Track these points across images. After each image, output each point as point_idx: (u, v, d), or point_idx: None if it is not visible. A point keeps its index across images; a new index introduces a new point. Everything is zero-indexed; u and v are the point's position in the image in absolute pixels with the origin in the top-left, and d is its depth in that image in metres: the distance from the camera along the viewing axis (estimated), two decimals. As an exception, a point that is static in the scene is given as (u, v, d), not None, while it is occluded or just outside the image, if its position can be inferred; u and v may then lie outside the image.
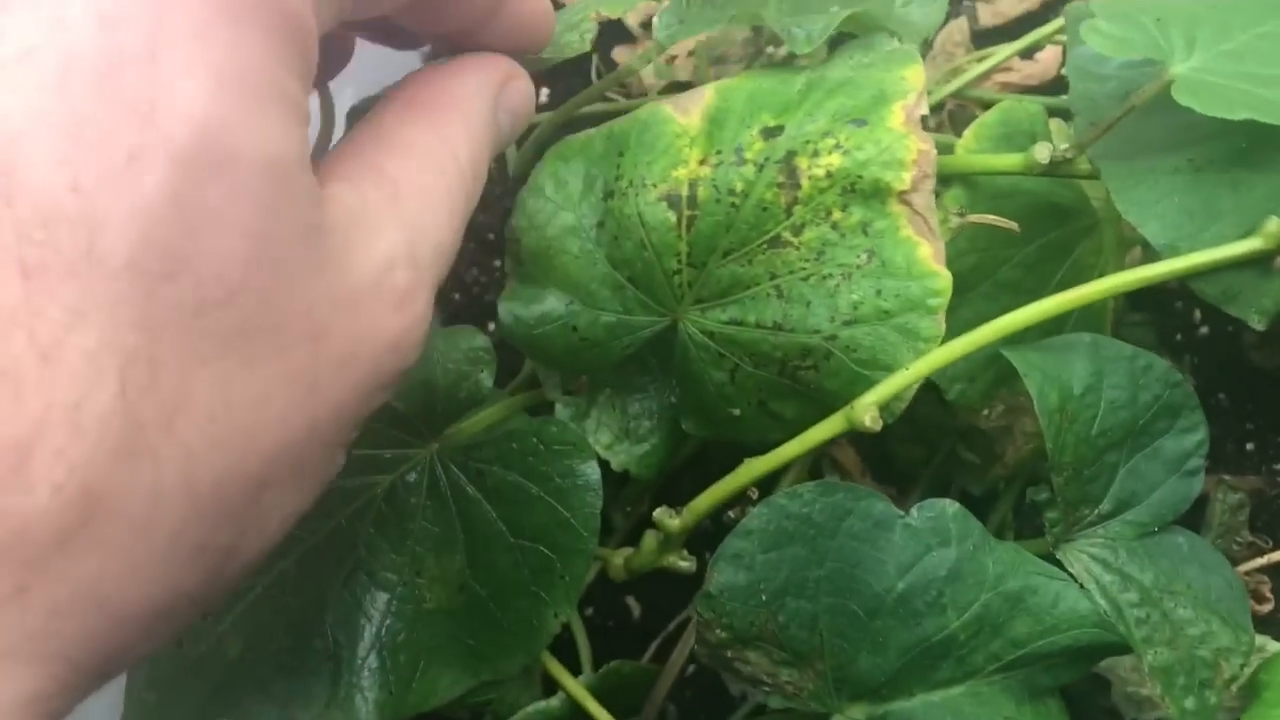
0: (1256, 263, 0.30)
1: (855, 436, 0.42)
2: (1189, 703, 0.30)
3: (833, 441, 0.41)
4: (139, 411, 0.17)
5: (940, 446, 0.41)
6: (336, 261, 0.21)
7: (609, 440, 0.35)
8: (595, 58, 0.56)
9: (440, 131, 0.25)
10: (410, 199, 0.23)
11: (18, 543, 0.17)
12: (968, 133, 0.35)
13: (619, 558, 0.33)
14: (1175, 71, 0.30)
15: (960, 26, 0.51)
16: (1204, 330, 0.46)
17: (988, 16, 0.52)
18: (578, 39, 0.32)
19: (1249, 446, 0.44)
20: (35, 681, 0.17)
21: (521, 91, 0.28)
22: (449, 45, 0.28)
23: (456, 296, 0.54)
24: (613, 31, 0.56)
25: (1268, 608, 0.38)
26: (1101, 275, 0.37)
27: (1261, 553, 0.39)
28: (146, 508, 0.18)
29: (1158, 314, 0.47)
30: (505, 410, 0.34)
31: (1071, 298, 0.30)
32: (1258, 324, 0.31)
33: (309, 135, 0.21)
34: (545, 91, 0.55)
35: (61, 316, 0.17)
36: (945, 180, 0.35)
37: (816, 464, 0.41)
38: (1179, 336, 0.46)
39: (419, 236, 0.23)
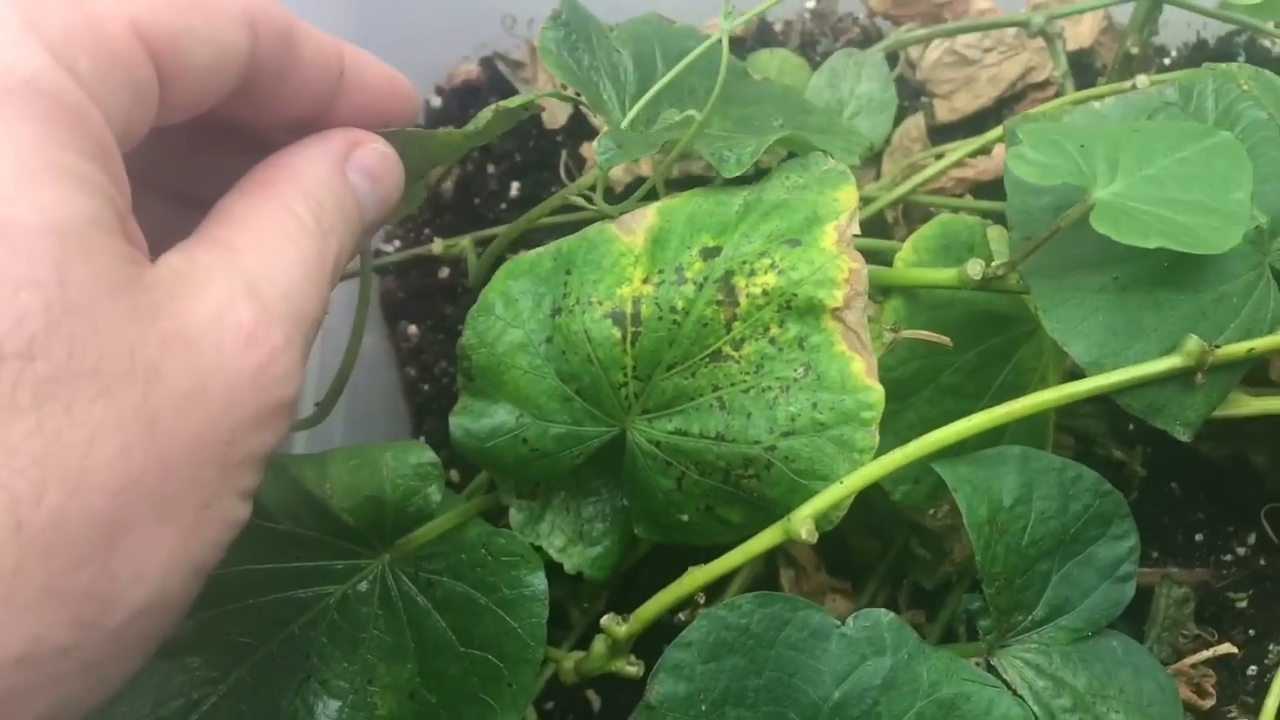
0: (1178, 378, 0.31)
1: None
2: (1122, 808, 0.30)
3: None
4: None
5: (894, 540, 0.42)
6: (162, 309, 0.22)
7: (562, 543, 0.36)
8: (564, 153, 0.57)
9: (277, 197, 0.26)
10: (247, 255, 0.24)
11: None
12: (907, 245, 0.36)
13: (570, 661, 0.34)
14: (1097, 196, 0.31)
15: (917, 123, 0.53)
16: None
17: (944, 112, 0.54)
18: (474, 125, 0.33)
19: (1198, 537, 0.45)
20: None
21: (374, 153, 0.29)
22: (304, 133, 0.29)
23: (426, 388, 0.55)
24: (583, 128, 0.58)
25: (1210, 703, 0.38)
26: (1042, 378, 0.38)
27: (1207, 645, 0.40)
28: None
29: (1109, 404, 0.48)
30: (459, 516, 0.34)
31: (1001, 414, 0.31)
32: (1183, 436, 0.32)
33: (115, 205, 0.22)
34: (515, 185, 0.57)
35: None
36: (886, 290, 0.36)
37: (771, 558, 0.42)
38: (1131, 426, 0.47)
39: (262, 282, 0.24)
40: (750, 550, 0.31)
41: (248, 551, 0.32)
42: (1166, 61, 0.56)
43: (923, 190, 0.47)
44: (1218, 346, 0.31)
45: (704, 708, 0.29)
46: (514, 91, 0.58)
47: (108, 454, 0.21)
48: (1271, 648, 0.40)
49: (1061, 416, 0.46)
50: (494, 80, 0.58)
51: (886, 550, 0.42)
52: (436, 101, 0.58)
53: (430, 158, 0.33)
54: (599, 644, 0.33)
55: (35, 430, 0.20)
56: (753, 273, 0.33)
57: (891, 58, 0.54)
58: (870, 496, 0.35)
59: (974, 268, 0.33)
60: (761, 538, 0.31)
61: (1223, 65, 0.36)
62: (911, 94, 0.55)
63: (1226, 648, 0.40)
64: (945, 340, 0.33)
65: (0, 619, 0.19)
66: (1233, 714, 0.39)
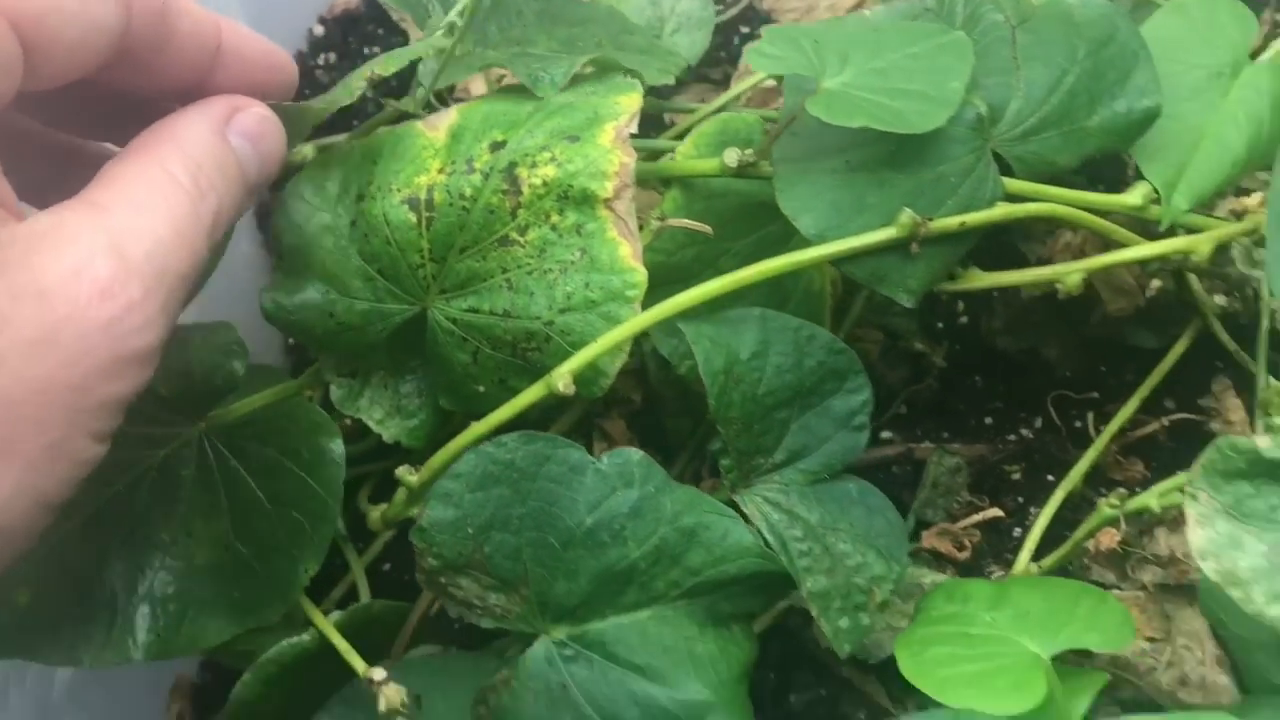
0: (898, 249, 0.36)
1: (629, 410, 0.47)
2: (843, 623, 0.35)
3: (605, 415, 0.46)
4: None
5: (703, 418, 0.46)
6: (15, 264, 0.25)
7: (380, 415, 0.40)
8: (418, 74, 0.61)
9: (154, 159, 0.29)
10: (116, 213, 0.27)
11: None
12: (687, 140, 0.40)
13: (376, 512, 0.38)
14: (824, 85, 0.35)
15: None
16: (964, 320, 0.52)
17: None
18: (346, 94, 0.37)
19: (988, 420, 0.49)
20: None
21: (254, 117, 0.32)
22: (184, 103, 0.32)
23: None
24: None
25: (966, 555, 0.43)
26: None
27: (979, 510, 0.45)
28: None
29: (928, 303, 0.52)
30: (282, 392, 0.39)
31: (735, 279, 0.35)
32: (907, 302, 0.37)
33: None
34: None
35: None
36: (666, 182, 0.40)
37: (588, 433, 0.47)
38: (940, 324, 0.51)
39: (126, 238, 0.27)
40: (518, 404, 0.35)
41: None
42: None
43: (748, 104, 0.51)
44: (930, 220, 0.35)
45: (470, 531, 0.34)
46: (387, 18, 0.62)
47: None
48: (1033, 511, 0.45)
49: (872, 314, 0.51)
50: (371, 8, 0.62)
51: (696, 428, 0.46)
52: (319, 30, 0.62)
53: (307, 124, 0.37)
54: (399, 494, 0.37)
55: None
56: (534, 165, 0.37)
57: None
58: (687, 381, 0.39)
59: (730, 155, 0.37)
60: (528, 393, 0.35)
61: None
62: (760, 21, 0.59)
63: (994, 512, 0.45)
64: (705, 228, 0.37)
65: None
66: (991, 567, 0.44)
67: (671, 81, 0.43)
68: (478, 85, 0.55)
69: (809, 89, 0.36)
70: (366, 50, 0.60)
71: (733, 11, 0.59)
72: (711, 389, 0.34)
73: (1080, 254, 0.45)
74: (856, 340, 0.49)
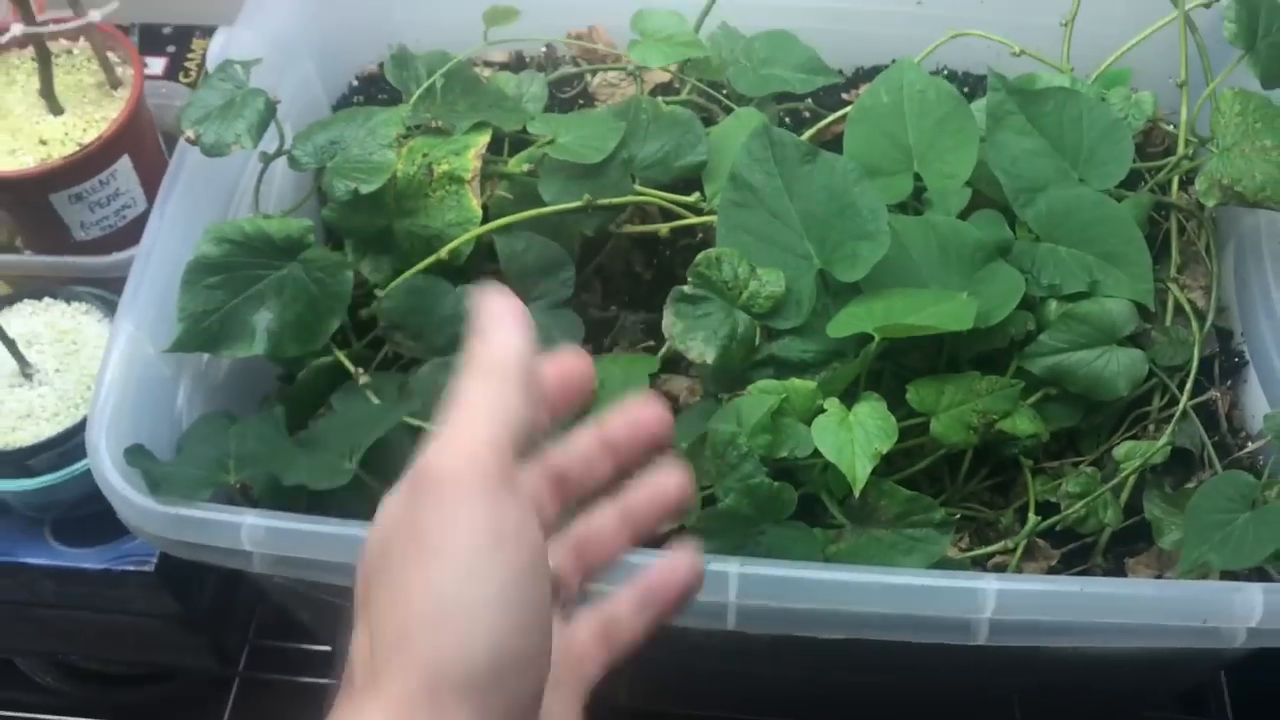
0: (584, 210, 0.86)
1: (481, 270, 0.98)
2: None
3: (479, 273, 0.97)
4: None
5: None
6: None
7: (368, 270, 0.90)
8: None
9: None
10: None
11: None
12: (512, 159, 0.90)
13: (363, 313, 0.89)
14: (558, 141, 0.85)
15: (587, 113, 1.07)
16: (668, 253, 1.01)
17: (601, 109, 1.08)
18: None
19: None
20: None
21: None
22: None
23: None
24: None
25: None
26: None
27: (642, 343, 0.95)
28: None
29: (644, 249, 1.02)
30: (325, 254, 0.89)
31: (519, 217, 0.85)
32: (589, 232, 0.87)
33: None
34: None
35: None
36: (501, 176, 0.90)
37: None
38: (654, 260, 1.01)
39: None
40: (432, 258, 0.85)
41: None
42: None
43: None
44: (596, 198, 0.85)
45: (401, 314, 0.84)
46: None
47: None
48: (670, 343, 0.95)
49: (626, 252, 1.01)
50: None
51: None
52: (355, 83, 1.12)
53: None
54: (374, 303, 0.87)
55: None
56: (439, 164, 0.87)
57: (580, 79, 1.08)
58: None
59: (523, 165, 0.88)
60: (432, 257, 0.85)
61: (641, 97, 0.90)
62: (589, 98, 1.09)
63: (649, 343, 0.95)
64: (509, 196, 0.88)
65: None
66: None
67: (523, 126, 0.93)
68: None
69: (552, 142, 0.86)
70: (379, 96, 1.10)
71: (574, 92, 1.09)
72: (503, 262, 0.85)
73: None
74: (610, 263, 0.99)
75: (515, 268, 0.85)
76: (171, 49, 1.22)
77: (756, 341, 0.79)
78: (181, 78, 1.20)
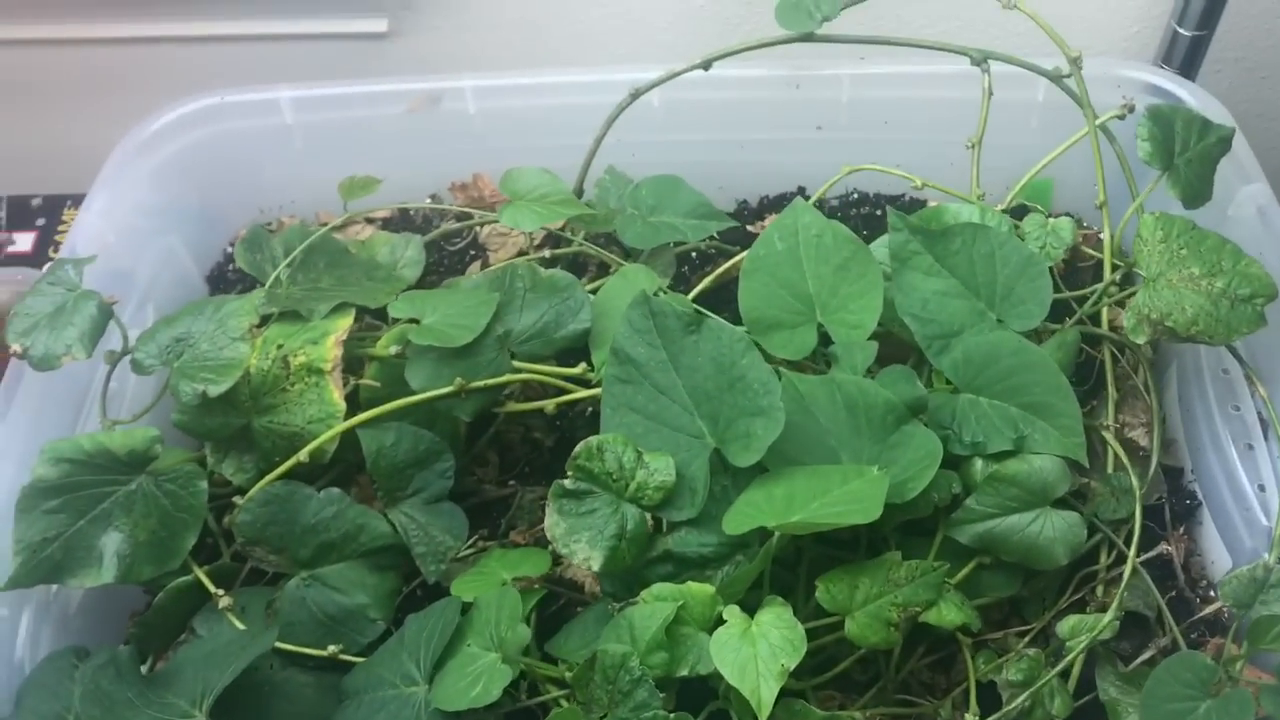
0: (459, 394, 0.78)
1: (348, 471, 0.89)
2: (432, 566, 0.76)
3: (345, 478, 0.88)
4: None
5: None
6: None
7: (232, 470, 0.82)
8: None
9: None
10: None
11: None
12: (384, 338, 0.83)
13: (227, 518, 0.80)
14: (424, 323, 0.78)
15: (475, 268, 0.99)
16: (560, 424, 0.93)
17: (494, 259, 1.00)
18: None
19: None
20: None
21: None
22: None
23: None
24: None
25: (527, 540, 0.84)
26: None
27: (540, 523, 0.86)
28: None
29: (542, 417, 0.94)
30: (183, 458, 0.80)
31: (387, 408, 0.77)
32: (467, 417, 0.79)
33: None
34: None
35: None
36: (371, 359, 0.83)
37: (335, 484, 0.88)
38: (558, 423, 0.93)
39: None
40: (286, 466, 0.77)
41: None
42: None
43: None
44: (469, 382, 0.77)
45: (259, 526, 0.75)
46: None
47: None
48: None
49: (523, 419, 0.93)
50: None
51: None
52: (229, 249, 1.05)
53: None
54: (235, 512, 0.79)
55: None
56: (296, 354, 0.79)
57: (469, 230, 1.01)
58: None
59: (393, 349, 0.80)
60: (291, 460, 0.77)
61: (517, 261, 0.83)
62: (480, 249, 1.02)
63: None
64: (375, 384, 0.80)
65: None
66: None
67: (395, 299, 0.86)
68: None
69: (416, 324, 0.78)
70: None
71: (464, 243, 1.02)
72: (369, 459, 0.76)
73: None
74: (506, 433, 0.91)
75: (384, 464, 0.77)
76: (41, 221, 1.15)
77: (649, 537, 0.70)
78: (52, 253, 1.12)
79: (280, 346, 0.79)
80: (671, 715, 0.63)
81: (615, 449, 0.70)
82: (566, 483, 0.71)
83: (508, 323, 0.80)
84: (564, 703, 0.67)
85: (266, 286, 0.83)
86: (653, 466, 0.70)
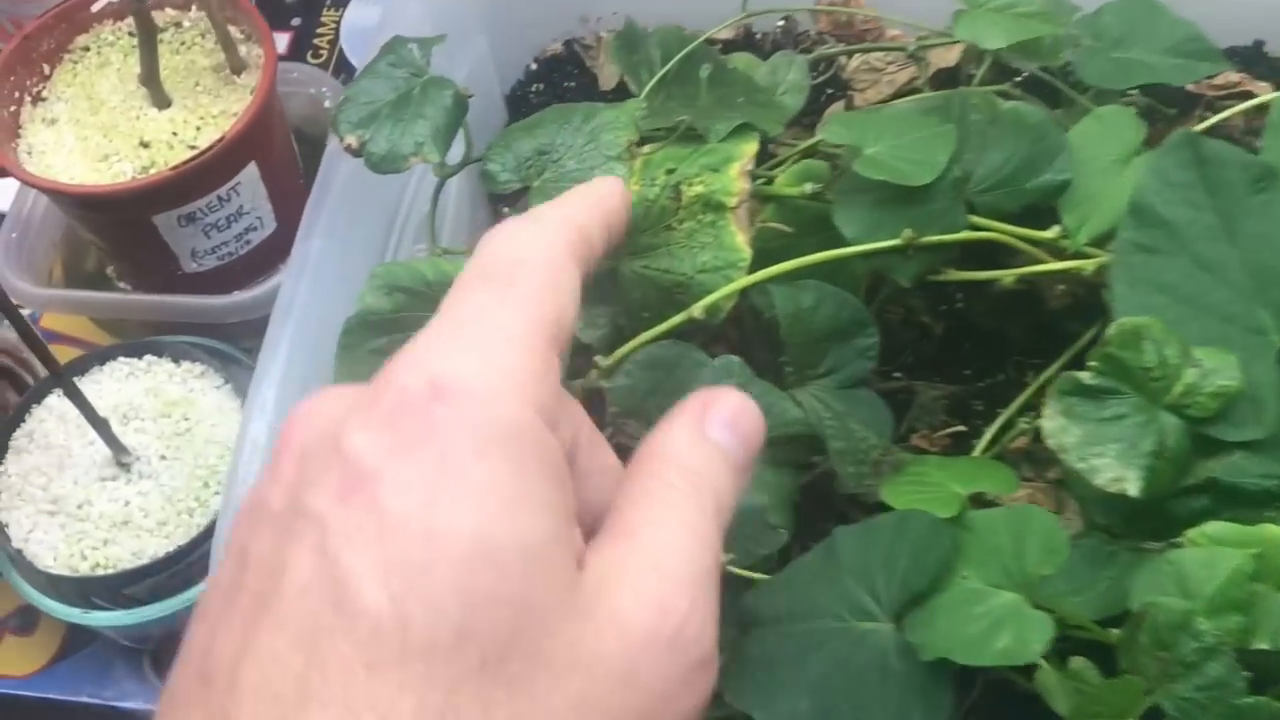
0: (900, 252, 0.60)
1: (729, 343, 0.72)
2: (850, 469, 0.60)
3: (715, 344, 0.71)
4: None
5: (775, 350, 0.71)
6: (595, 603, 0.27)
7: (581, 327, 0.66)
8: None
9: (655, 477, 0.32)
10: (645, 536, 0.30)
11: None
12: (783, 174, 0.65)
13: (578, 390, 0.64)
14: (865, 152, 0.60)
15: (839, 107, 0.81)
16: (960, 304, 0.75)
17: (859, 102, 0.82)
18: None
19: (966, 372, 0.73)
20: None
21: (727, 408, 0.37)
22: None
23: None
24: (625, 94, 0.87)
25: (937, 450, 0.67)
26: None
27: (950, 426, 0.69)
28: None
29: (932, 294, 0.76)
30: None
31: (805, 260, 0.60)
32: (905, 283, 0.61)
33: (567, 522, 0.28)
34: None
35: (392, 692, 0.23)
36: (767, 199, 0.65)
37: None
38: (943, 306, 0.75)
39: (662, 557, 0.29)
40: (669, 325, 0.60)
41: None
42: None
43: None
44: (919, 236, 0.60)
45: (638, 394, 0.59)
46: (581, 62, 0.87)
47: None
48: (983, 429, 0.69)
49: (898, 297, 0.75)
50: (570, 55, 0.87)
51: (770, 356, 0.71)
52: (534, 67, 0.87)
53: None
54: (592, 372, 0.63)
55: (510, 717, 0.25)
56: (690, 185, 0.62)
57: (829, 62, 0.82)
58: (768, 323, 0.64)
59: (808, 187, 0.62)
60: (675, 319, 0.60)
61: (967, 90, 0.64)
62: (840, 86, 0.83)
63: (959, 427, 0.69)
64: (786, 228, 0.62)
65: None
66: (954, 461, 0.68)
67: (780, 130, 0.68)
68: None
69: (856, 153, 0.60)
70: (566, 84, 0.85)
71: (822, 78, 0.83)
72: (784, 324, 0.59)
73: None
74: (885, 313, 0.73)
75: (799, 332, 0.60)
76: (297, 21, 0.99)
77: (1187, 459, 0.53)
78: (310, 59, 0.96)
79: (670, 172, 0.62)
80: (1274, 705, 0.45)
81: (1155, 340, 0.52)
82: (1084, 376, 0.53)
83: (965, 164, 0.61)
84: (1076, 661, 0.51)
85: (644, 94, 0.65)
86: (1207, 366, 0.52)
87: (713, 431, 0.36)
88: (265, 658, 0.24)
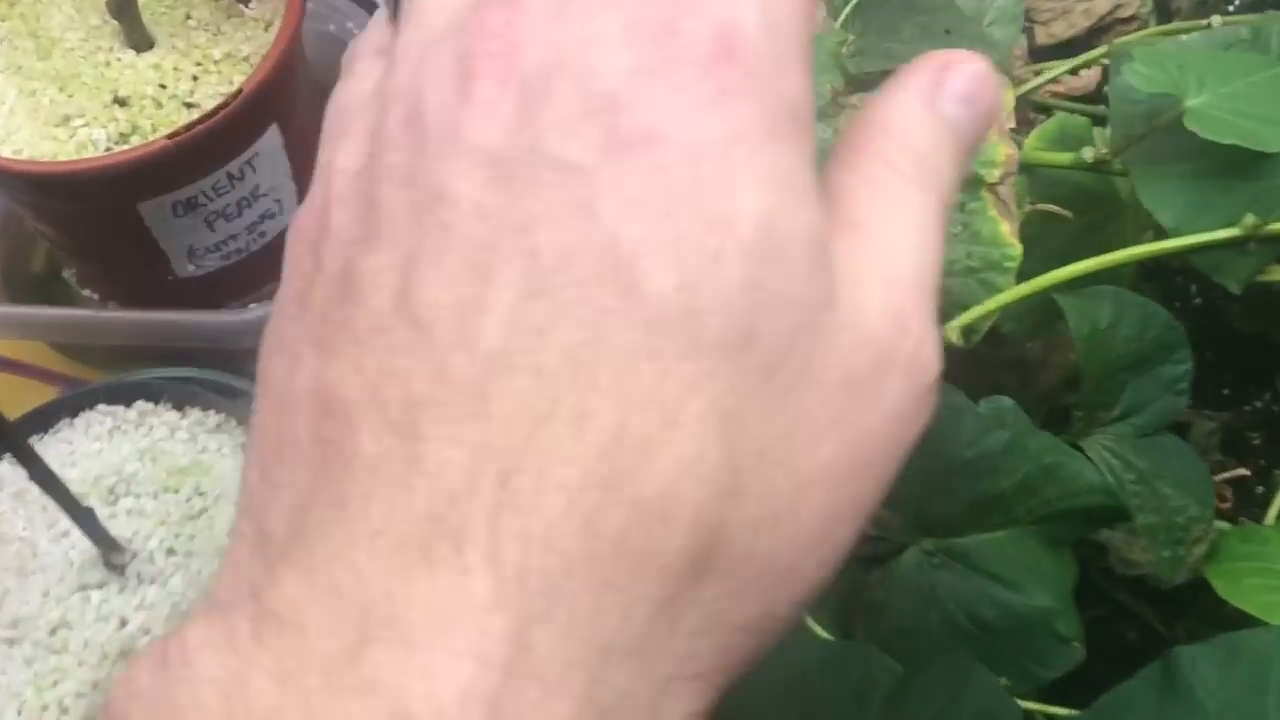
0: (1236, 245, 0.42)
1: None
2: (1166, 553, 0.42)
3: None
4: (736, 458, 0.21)
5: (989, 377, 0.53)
6: (848, 316, 0.23)
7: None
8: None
9: (876, 158, 0.27)
10: (873, 230, 0.25)
11: (661, 577, 0.21)
12: (1033, 135, 0.47)
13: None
14: (1188, 104, 0.42)
15: (1021, 44, 0.63)
16: (1198, 301, 0.58)
17: (1043, 37, 0.64)
18: None
19: (1225, 391, 0.56)
20: (695, 701, 0.21)
21: (966, 75, 0.28)
22: None
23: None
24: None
25: (1226, 506, 0.50)
26: (1124, 246, 0.49)
27: (1226, 469, 0.52)
28: (750, 538, 0.21)
29: (1163, 286, 0.59)
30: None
31: (1107, 259, 0.42)
32: (1235, 288, 0.43)
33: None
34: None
35: (679, 390, 0.20)
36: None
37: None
38: (1177, 304, 0.58)
39: (897, 259, 0.25)
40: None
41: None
42: (1231, 8, 0.66)
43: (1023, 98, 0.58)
44: (1267, 223, 0.42)
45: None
46: None
47: (825, 452, 0.22)
48: (1275, 473, 0.52)
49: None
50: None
51: (1020, 389, 0.53)
52: None
53: None
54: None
55: (786, 433, 0.21)
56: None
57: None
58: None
59: (1088, 153, 0.44)
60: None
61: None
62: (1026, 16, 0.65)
63: (1241, 471, 0.52)
64: (1067, 214, 0.44)
65: (759, 595, 0.21)
66: (1241, 519, 0.51)
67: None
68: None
69: (1168, 106, 0.42)
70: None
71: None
72: (1081, 351, 0.42)
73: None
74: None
75: (1097, 359, 0.42)
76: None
77: None
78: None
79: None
80: None
81: None
82: None
83: (1309, 119, 0.44)
84: None
85: (839, 23, 0.46)
86: None
87: (945, 105, 0.28)
88: (522, 329, 0.20)
